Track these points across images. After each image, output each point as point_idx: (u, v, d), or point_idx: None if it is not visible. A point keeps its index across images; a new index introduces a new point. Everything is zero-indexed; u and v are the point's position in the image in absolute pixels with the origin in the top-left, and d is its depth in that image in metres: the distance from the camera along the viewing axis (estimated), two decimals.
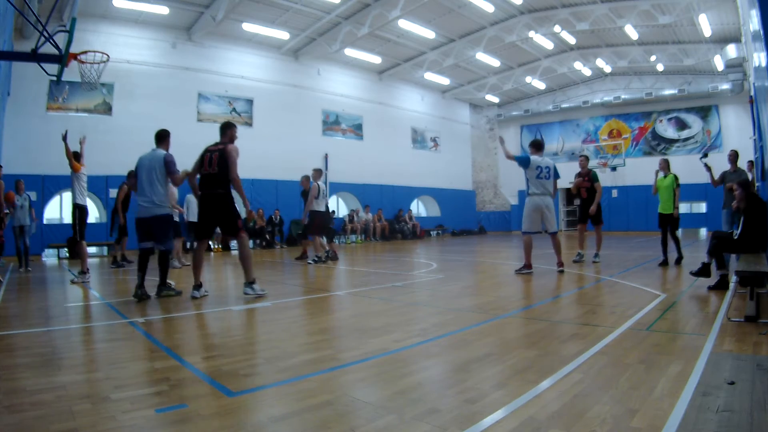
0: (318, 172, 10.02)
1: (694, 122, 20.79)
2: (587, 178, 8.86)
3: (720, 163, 7.62)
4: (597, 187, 8.71)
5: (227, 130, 5.72)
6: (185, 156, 13.99)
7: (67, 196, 8.41)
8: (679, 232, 8.36)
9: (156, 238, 5.66)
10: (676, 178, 8.03)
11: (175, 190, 5.66)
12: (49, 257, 12.54)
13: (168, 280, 5.74)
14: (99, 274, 8.68)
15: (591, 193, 8.85)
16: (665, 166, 8.20)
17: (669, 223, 7.98)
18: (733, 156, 7.56)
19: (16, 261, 10.37)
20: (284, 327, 4.20)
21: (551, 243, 7.46)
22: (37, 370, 2.85)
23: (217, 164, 5.42)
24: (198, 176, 5.66)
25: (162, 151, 5.70)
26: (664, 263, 7.82)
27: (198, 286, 5.51)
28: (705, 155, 7.47)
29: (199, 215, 5.59)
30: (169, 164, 5.60)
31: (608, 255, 10.18)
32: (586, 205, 8.85)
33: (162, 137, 5.82)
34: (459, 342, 3.49)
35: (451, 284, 6.53)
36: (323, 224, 10.05)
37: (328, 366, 2.90)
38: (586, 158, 9.28)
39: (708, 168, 7.18)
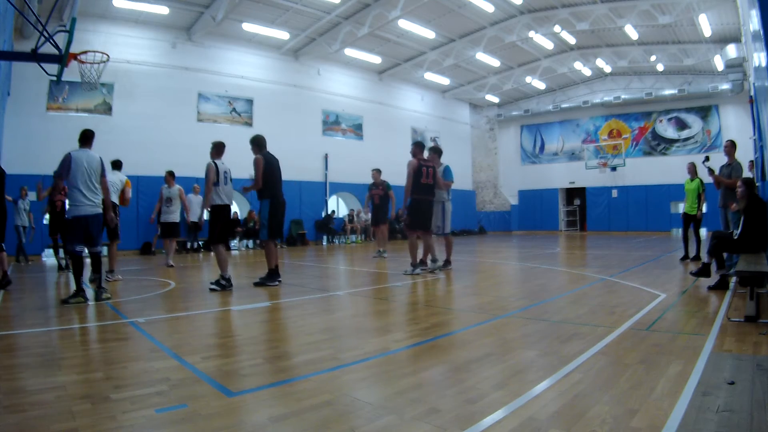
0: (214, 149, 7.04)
1: (694, 122, 20.78)
2: (381, 188, 10.79)
3: (720, 164, 7.55)
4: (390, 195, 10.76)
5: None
6: (184, 156, 14.16)
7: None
8: (703, 232, 9.18)
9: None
10: (701, 182, 8.78)
11: None
12: (49, 257, 12.52)
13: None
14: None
15: (383, 200, 10.89)
16: (692, 169, 8.92)
17: (693, 223, 8.76)
18: (730, 147, 7.24)
19: (14, 260, 10.43)
20: (284, 327, 4.21)
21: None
22: (37, 370, 2.85)
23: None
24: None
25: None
26: (685, 258, 8.48)
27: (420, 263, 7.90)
28: (707, 158, 7.44)
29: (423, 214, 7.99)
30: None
31: (608, 255, 10.18)
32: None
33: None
34: (459, 342, 3.49)
35: (451, 284, 6.52)
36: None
37: (328, 366, 2.90)
38: (378, 171, 11.13)
39: (711, 171, 7.16)
